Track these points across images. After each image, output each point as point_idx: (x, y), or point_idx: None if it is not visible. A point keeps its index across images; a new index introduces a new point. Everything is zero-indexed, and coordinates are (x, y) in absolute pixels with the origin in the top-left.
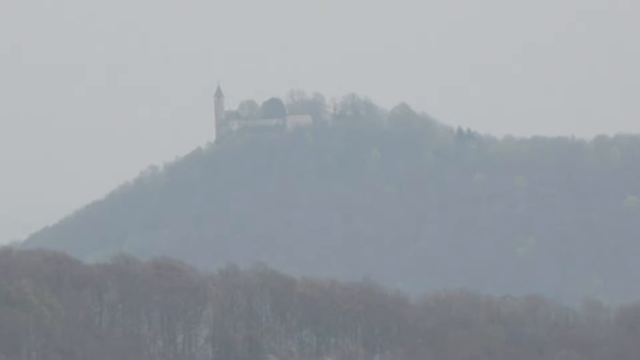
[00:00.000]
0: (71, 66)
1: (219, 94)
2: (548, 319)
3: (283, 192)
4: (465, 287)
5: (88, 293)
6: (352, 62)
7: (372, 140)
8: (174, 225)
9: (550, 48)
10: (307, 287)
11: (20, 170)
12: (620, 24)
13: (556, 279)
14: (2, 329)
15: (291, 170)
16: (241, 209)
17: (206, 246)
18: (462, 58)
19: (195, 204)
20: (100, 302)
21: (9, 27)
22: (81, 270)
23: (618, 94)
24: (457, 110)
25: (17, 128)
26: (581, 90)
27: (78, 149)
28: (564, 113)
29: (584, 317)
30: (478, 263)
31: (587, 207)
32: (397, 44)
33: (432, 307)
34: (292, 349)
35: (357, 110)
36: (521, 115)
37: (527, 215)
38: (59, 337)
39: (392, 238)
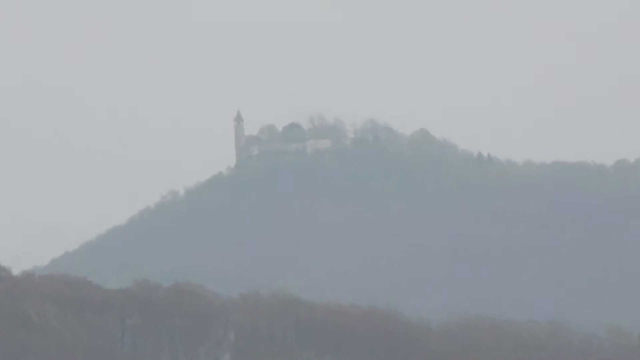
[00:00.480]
0: (92, 90)
1: (239, 119)
2: (571, 344)
3: (303, 217)
4: (486, 312)
5: (110, 318)
6: (372, 87)
7: (392, 165)
8: (194, 250)
9: (570, 71)
10: (329, 312)
11: (41, 195)
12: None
13: (577, 304)
14: (24, 353)
15: (311, 195)
16: (261, 234)
17: (227, 271)
18: (481, 82)
19: (215, 228)
20: (121, 327)
21: (29, 50)
22: (103, 295)
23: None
24: (477, 135)
25: (38, 153)
26: (602, 115)
27: (99, 173)
28: (585, 137)
29: (608, 342)
30: (498, 288)
31: (607, 232)
32: (417, 68)
33: (455, 332)
34: None
35: (376, 135)
36: (542, 139)
37: (547, 239)
38: None
39: (412, 263)
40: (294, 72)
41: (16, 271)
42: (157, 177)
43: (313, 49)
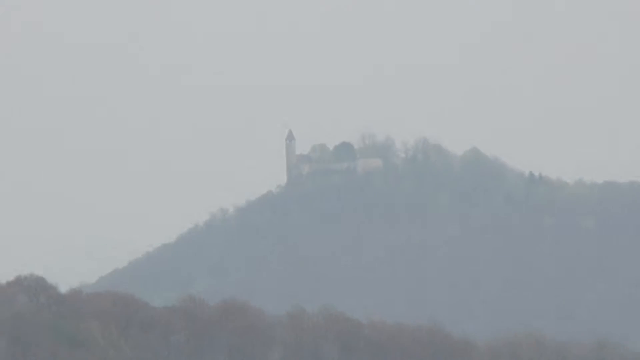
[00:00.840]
0: (147, 106)
1: (290, 137)
2: None
3: (353, 236)
4: (533, 331)
5: (155, 335)
6: (423, 105)
7: (443, 184)
8: (243, 268)
9: (620, 91)
10: (374, 330)
11: (90, 212)
12: None
13: (625, 325)
14: None
15: (361, 214)
16: (311, 253)
17: (275, 289)
18: (533, 102)
19: (264, 247)
20: (167, 345)
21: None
22: (149, 312)
23: None
24: (528, 154)
25: (87, 169)
26: None
27: (148, 190)
28: (637, 157)
29: None
30: (547, 307)
31: None
32: (469, 88)
33: (500, 350)
34: None
35: (427, 154)
36: (593, 159)
37: (597, 260)
38: None
39: (462, 282)
40: (345, 91)
41: (63, 289)
42: (208, 195)
43: (365, 68)
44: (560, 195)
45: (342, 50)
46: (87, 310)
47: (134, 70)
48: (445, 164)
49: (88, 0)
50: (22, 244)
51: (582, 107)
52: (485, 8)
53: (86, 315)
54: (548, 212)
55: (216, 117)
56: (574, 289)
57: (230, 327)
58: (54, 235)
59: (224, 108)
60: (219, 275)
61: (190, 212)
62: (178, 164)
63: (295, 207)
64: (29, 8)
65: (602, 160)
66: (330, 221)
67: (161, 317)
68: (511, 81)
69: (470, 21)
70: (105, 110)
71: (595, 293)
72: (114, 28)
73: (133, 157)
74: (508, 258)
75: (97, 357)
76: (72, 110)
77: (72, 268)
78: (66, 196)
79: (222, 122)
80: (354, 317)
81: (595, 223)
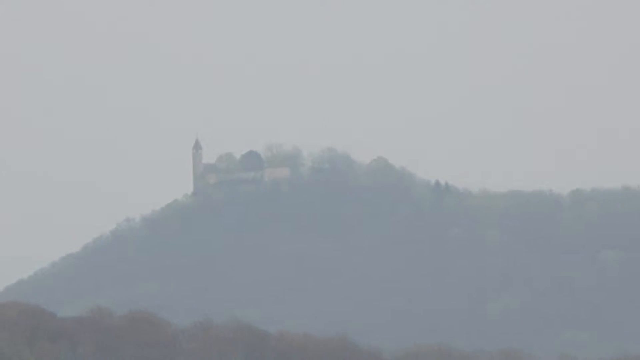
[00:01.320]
0: (46, 113)
1: (197, 147)
2: None
3: (260, 246)
4: (440, 341)
5: (62, 346)
6: (330, 115)
7: (350, 193)
8: (150, 278)
9: (529, 98)
10: (281, 341)
11: None
12: (598, 71)
13: (530, 334)
14: None
15: (268, 224)
16: (218, 263)
17: (183, 300)
18: (438, 112)
19: (171, 257)
20: (74, 356)
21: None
22: (56, 323)
23: (595, 148)
24: (435, 163)
25: None
26: (559, 144)
27: (53, 201)
28: (541, 167)
29: None
30: (453, 318)
31: (562, 262)
32: (374, 96)
33: None
34: None
35: (334, 163)
36: (499, 168)
37: (502, 269)
38: None
39: (369, 293)
40: (252, 100)
41: None
42: (113, 204)
43: (270, 77)
44: (466, 204)
45: (247, 57)
46: None
47: (32, 71)
48: (353, 174)
49: None
50: None
51: (487, 115)
52: (389, 10)
53: None
54: (454, 222)
55: (123, 125)
56: (478, 299)
57: (137, 338)
58: None
59: (131, 115)
60: (126, 286)
61: (96, 221)
62: (84, 172)
63: (202, 217)
64: None
65: (507, 169)
66: (237, 231)
67: (68, 328)
68: (418, 88)
69: (374, 26)
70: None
71: (500, 303)
72: None
73: (38, 166)
74: (415, 268)
75: None
76: None
77: None
78: None
79: (129, 129)
80: (261, 329)
81: (500, 232)
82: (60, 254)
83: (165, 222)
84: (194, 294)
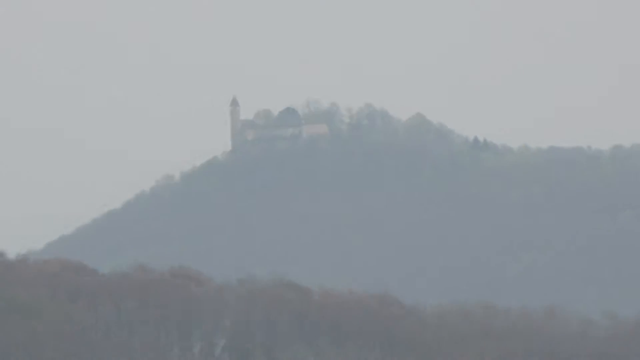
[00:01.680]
0: (87, 76)
1: (234, 103)
2: (566, 329)
3: (298, 202)
4: (481, 298)
5: (104, 302)
6: (368, 71)
7: (388, 150)
8: (189, 235)
9: (567, 58)
10: (324, 296)
11: (36, 179)
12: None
13: (574, 290)
14: (18, 338)
15: (306, 180)
16: (256, 219)
17: (221, 256)
18: (478, 67)
19: (211, 212)
20: (117, 312)
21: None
22: (97, 279)
23: (636, 105)
24: (473, 120)
25: (33, 138)
26: (600, 100)
27: (94, 157)
28: (582, 123)
29: (603, 328)
30: (495, 274)
31: (603, 218)
32: (414, 53)
33: (450, 318)
34: (309, 358)
35: (373, 120)
36: (538, 125)
37: (545, 225)
38: (76, 347)
39: (408, 248)
40: (290, 56)
41: (11, 255)
42: (153, 161)
43: (310, 34)
44: (505, 160)
45: (286, 16)
46: (35, 277)
47: (81, 43)
48: (390, 130)
49: None
50: None
51: (524, 72)
52: None
53: (34, 282)
54: (493, 177)
55: (162, 84)
56: (522, 255)
57: (179, 295)
58: (1, 203)
59: (168, 75)
60: (166, 242)
61: (137, 178)
62: (125, 130)
63: (241, 173)
64: None
65: (546, 125)
66: (276, 187)
67: (110, 284)
68: (454, 47)
69: None
70: (51, 83)
71: (543, 259)
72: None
73: (80, 125)
74: (454, 224)
75: (46, 325)
76: (19, 89)
77: (19, 235)
78: (12, 165)
79: (166, 89)
80: (304, 285)
81: (541, 188)
82: (101, 211)
83: (204, 179)
84: (232, 250)
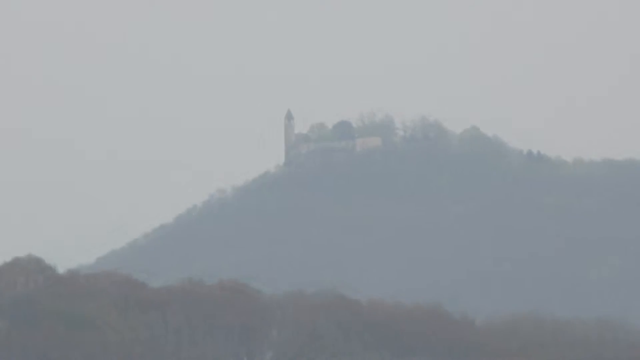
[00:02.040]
0: (148, 85)
1: (289, 117)
2: (618, 342)
3: (353, 215)
4: (535, 309)
5: (154, 316)
6: (423, 84)
7: (442, 163)
8: (242, 249)
9: (617, 70)
10: (373, 310)
11: (87, 193)
12: None
13: (628, 302)
14: (68, 352)
15: (361, 193)
16: (311, 233)
17: (275, 269)
18: (531, 81)
19: (263, 227)
20: (166, 325)
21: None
22: (147, 292)
23: None
24: (528, 133)
25: (82, 152)
26: None
27: (147, 172)
28: (634, 134)
29: None
30: (549, 287)
31: None
32: (468, 66)
33: (499, 329)
34: None
35: (427, 132)
36: (592, 137)
37: (597, 238)
38: None
39: (463, 261)
40: (345, 69)
41: (61, 270)
42: (206, 176)
43: (363, 47)
44: (560, 173)
45: (340, 30)
46: (85, 291)
47: (126, 58)
48: (445, 143)
49: None
50: (20, 225)
51: (578, 83)
52: None
53: (84, 296)
54: (548, 190)
55: (216, 96)
56: (575, 268)
57: (229, 308)
58: (51, 216)
59: (223, 88)
60: (218, 256)
61: (189, 192)
62: (176, 145)
63: (295, 187)
64: None
65: (600, 138)
66: (330, 200)
67: (160, 298)
68: (509, 59)
69: (468, 2)
70: (97, 99)
71: (598, 271)
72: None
73: (132, 137)
74: (510, 237)
75: (96, 338)
76: (70, 95)
77: (70, 249)
78: (64, 179)
79: (222, 102)
80: (352, 298)
81: (595, 200)
82: (153, 225)
83: (257, 192)
84: (286, 264)
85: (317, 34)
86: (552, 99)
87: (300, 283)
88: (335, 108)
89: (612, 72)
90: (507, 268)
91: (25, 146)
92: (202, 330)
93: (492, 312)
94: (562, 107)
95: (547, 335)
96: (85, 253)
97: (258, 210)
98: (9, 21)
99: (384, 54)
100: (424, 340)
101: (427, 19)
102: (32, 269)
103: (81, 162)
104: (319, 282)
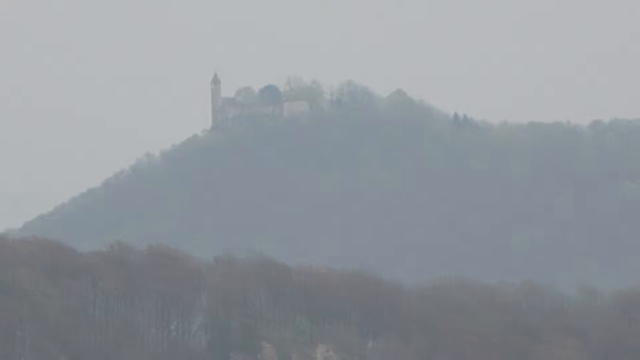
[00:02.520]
0: (67, 49)
1: (215, 81)
2: (543, 305)
3: (279, 179)
4: (462, 274)
5: (83, 281)
6: (349, 49)
7: (369, 127)
8: (170, 213)
9: (546, 34)
10: (303, 275)
11: (15, 159)
12: (618, 8)
13: (552, 265)
14: (20, 315)
15: (287, 157)
16: (237, 196)
17: (202, 234)
18: (459, 45)
19: (191, 191)
20: (94, 290)
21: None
22: (76, 258)
23: (614, 80)
24: (454, 96)
25: (12, 117)
26: (578, 77)
27: (74, 137)
28: (561, 99)
29: (579, 303)
30: (474, 250)
31: (583, 193)
32: (395, 30)
33: (427, 294)
34: (287, 336)
35: (354, 97)
36: (518, 101)
37: (524, 202)
38: (54, 326)
39: (389, 225)
40: (271, 34)
41: None
42: (133, 140)
43: (291, 11)
44: (486, 136)
45: None
46: (14, 257)
47: (53, 17)
48: (372, 107)
49: None
50: None
51: (504, 49)
52: None
53: (13, 262)
54: (474, 154)
55: (142, 62)
56: (500, 231)
57: (158, 273)
58: None
59: (149, 51)
60: (146, 220)
61: (117, 157)
62: (104, 108)
63: (222, 151)
64: None
65: (526, 101)
66: (256, 164)
67: (89, 263)
68: (435, 23)
69: None
70: (26, 56)
71: (522, 234)
72: None
73: (60, 102)
74: (436, 201)
75: (25, 304)
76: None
77: None
78: None
79: (147, 67)
80: (282, 263)
81: (521, 164)
82: (81, 190)
83: (185, 157)
84: (213, 228)
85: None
86: (478, 62)
87: (229, 249)
88: (262, 72)
89: (539, 35)
90: (434, 233)
91: None
92: (132, 296)
93: (420, 277)
94: (488, 70)
95: (473, 300)
96: (12, 218)
97: (186, 175)
98: None
99: (310, 18)
100: (353, 304)
101: None
102: None
103: (10, 126)
104: (246, 249)
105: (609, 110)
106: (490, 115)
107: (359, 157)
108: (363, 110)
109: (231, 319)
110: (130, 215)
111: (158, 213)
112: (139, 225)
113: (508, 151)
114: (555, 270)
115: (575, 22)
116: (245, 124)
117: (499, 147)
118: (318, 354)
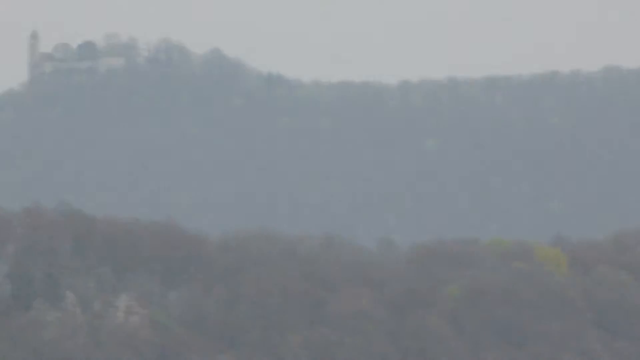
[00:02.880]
0: None
1: (34, 36)
2: (342, 257)
3: (93, 134)
4: (266, 227)
5: None
6: (166, 6)
7: (184, 84)
8: None
9: None
10: (108, 225)
11: None
12: None
13: (354, 218)
14: None
15: (102, 113)
16: (52, 150)
17: (15, 187)
18: (277, 5)
19: (5, 144)
20: None
21: None
22: None
23: (421, 41)
24: (271, 57)
25: None
26: (386, 35)
27: None
28: (368, 59)
29: (377, 255)
30: (281, 203)
31: (387, 149)
32: None
33: (231, 245)
34: (90, 285)
35: (170, 54)
36: (333, 61)
37: (330, 156)
38: None
39: (198, 179)
40: None
41: None
42: None
43: None
44: (297, 95)
45: None
46: None
47: None
48: (187, 64)
49: None
50: None
51: (315, 8)
52: None
53: None
54: (285, 111)
55: None
56: (306, 184)
57: None
58: None
59: None
60: None
61: None
62: None
63: (37, 105)
64: None
65: (337, 60)
66: (72, 119)
67: None
68: None
69: None
70: None
71: (327, 187)
72: None
73: None
74: (245, 156)
75: None
76: None
77: None
78: None
79: None
80: (89, 214)
81: (330, 120)
82: None
83: (0, 110)
84: (26, 181)
85: None
86: (291, 20)
87: (40, 200)
88: (81, 29)
89: None
90: (242, 187)
91: None
92: None
93: (225, 230)
94: (301, 29)
95: (274, 252)
96: None
97: (2, 127)
98: None
99: None
100: (157, 255)
101: None
102: None
103: None
104: (58, 200)
105: (415, 70)
106: (302, 74)
107: (173, 112)
108: (179, 67)
109: (36, 269)
110: None
111: None
112: None
113: (317, 108)
114: (357, 223)
115: None
116: (61, 79)
117: (308, 104)
118: (120, 303)
